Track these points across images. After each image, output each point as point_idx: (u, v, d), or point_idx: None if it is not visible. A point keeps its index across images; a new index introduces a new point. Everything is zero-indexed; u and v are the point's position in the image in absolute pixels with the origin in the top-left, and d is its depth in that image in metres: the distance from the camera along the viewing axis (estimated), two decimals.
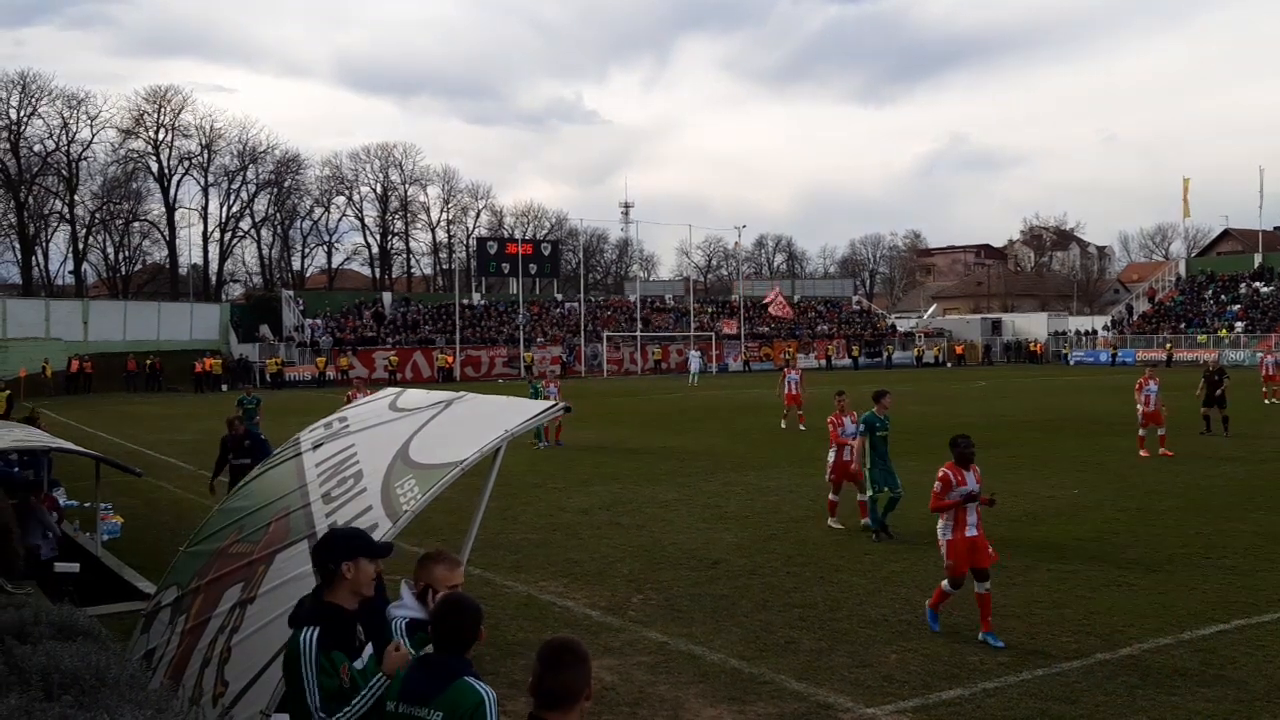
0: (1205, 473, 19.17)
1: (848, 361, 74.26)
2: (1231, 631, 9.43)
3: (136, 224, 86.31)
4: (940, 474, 9.66)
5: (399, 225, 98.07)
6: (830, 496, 14.97)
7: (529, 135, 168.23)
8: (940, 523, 9.71)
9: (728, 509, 16.19)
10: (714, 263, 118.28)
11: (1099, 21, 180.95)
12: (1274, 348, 42.13)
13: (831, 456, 14.93)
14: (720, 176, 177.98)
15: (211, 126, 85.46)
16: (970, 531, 9.54)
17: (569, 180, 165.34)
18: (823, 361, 74.14)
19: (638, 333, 71.19)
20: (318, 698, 4.31)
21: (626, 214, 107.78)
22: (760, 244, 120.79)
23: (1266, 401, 33.17)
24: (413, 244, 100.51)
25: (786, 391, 28.96)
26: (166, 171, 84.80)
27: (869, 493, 14.13)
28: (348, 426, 7.13)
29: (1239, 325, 69.64)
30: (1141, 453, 21.53)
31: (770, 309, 75.24)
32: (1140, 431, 22.04)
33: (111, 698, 4.77)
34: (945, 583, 9.70)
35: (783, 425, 28.34)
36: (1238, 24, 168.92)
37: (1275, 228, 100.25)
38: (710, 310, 79.52)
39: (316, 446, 6.98)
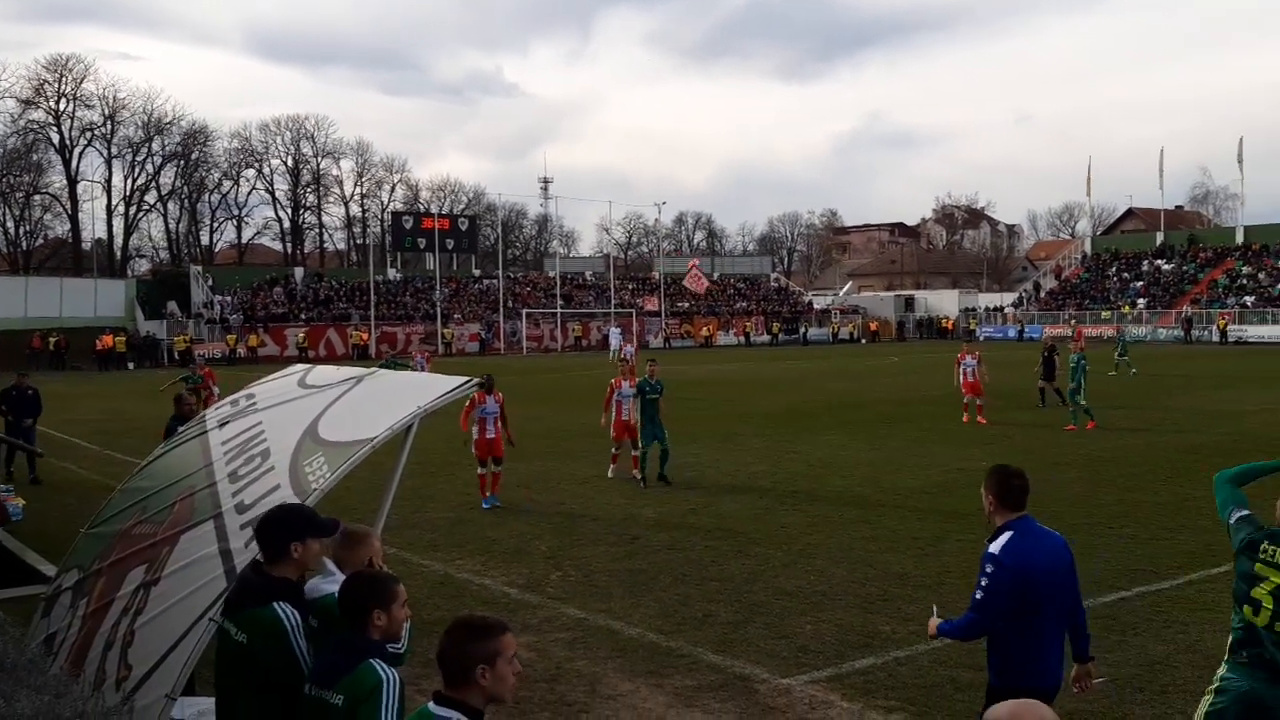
0: (1107, 444, 19.76)
1: (766, 338, 74.91)
2: (1133, 598, 9.75)
3: (37, 197, 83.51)
4: (469, 400, 14.24)
5: (311, 199, 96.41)
6: (613, 450, 17.15)
7: (447, 107, 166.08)
8: (474, 430, 14.56)
9: (645, 484, 16.23)
10: (634, 239, 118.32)
11: (1017, 2, 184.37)
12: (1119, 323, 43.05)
13: (612, 415, 16.89)
14: (642, 152, 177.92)
15: (115, 97, 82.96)
16: (490, 434, 14.63)
17: (488, 154, 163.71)
18: (741, 338, 74.69)
19: (558, 310, 70.83)
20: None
21: (546, 189, 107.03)
22: (680, 221, 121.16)
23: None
24: (325, 218, 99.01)
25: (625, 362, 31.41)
26: (68, 143, 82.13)
27: (640, 447, 16.31)
28: (255, 404, 6.94)
29: (1141, 302, 71.94)
30: (964, 418, 23.79)
31: (686, 281, 75.62)
32: (965, 400, 24.21)
33: (8, 683, 4.60)
34: (478, 469, 14.67)
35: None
36: (1146, 6, 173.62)
37: (1177, 207, 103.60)
38: (631, 287, 79.52)
39: (223, 424, 6.79)
